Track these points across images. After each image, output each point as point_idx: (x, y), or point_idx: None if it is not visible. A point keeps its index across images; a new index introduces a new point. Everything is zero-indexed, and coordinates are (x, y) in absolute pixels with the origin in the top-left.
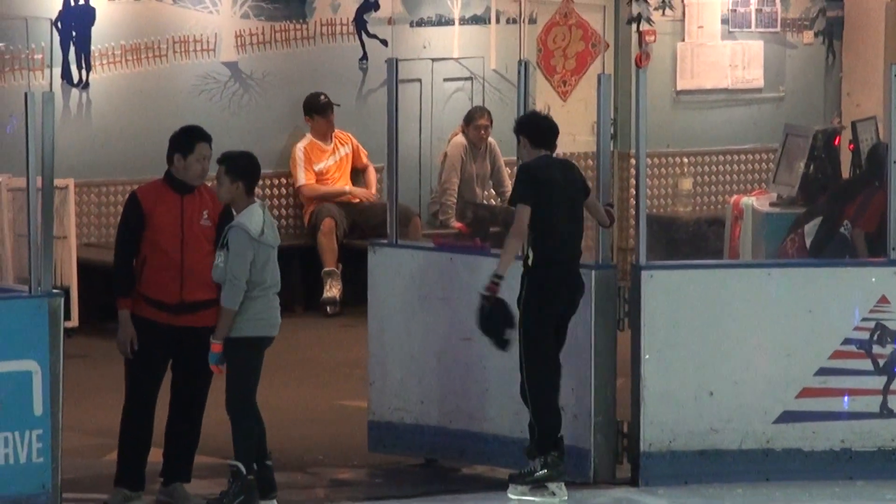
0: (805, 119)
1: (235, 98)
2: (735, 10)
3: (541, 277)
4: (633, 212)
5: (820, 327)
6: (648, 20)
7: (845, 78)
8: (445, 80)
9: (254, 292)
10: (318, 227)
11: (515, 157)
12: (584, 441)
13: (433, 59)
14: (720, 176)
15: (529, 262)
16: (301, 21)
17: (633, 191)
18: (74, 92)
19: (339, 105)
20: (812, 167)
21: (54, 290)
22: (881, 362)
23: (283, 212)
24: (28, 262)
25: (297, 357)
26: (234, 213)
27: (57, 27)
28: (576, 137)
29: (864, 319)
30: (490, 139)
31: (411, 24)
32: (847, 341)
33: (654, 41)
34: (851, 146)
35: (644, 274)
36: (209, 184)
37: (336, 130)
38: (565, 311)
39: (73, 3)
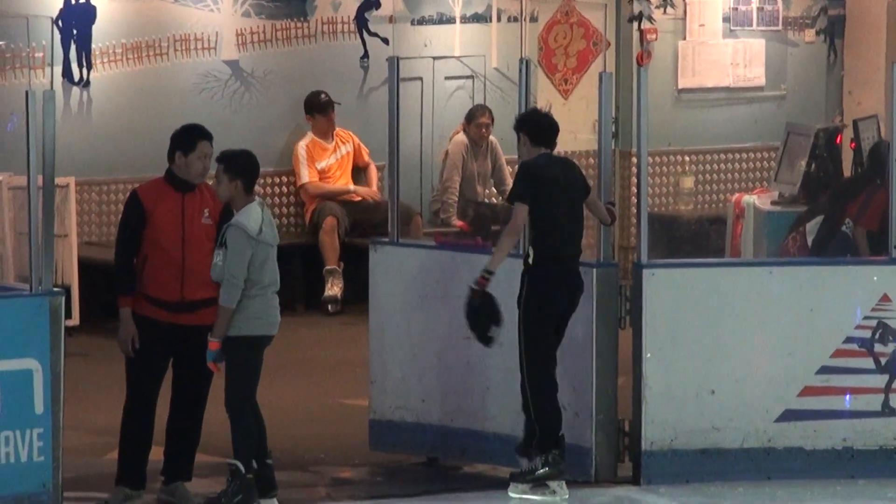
0: (806, 117)
1: (236, 96)
2: (736, 9)
3: (541, 276)
4: (634, 210)
5: (821, 326)
6: (650, 18)
7: (847, 76)
8: (447, 78)
9: (252, 291)
10: (320, 226)
11: (516, 156)
12: (586, 440)
13: (434, 58)
14: (722, 174)
15: (530, 260)
16: (302, 19)
17: (634, 189)
18: (75, 90)
19: (339, 103)
20: (814, 166)
21: (55, 289)
22: (883, 361)
23: (284, 210)
24: (29, 261)
25: (298, 355)
26: (234, 211)
27: (58, 25)
28: (577, 136)
29: (865, 318)
30: (491, 137)
31: (412, 23)
32: (849, 340)
33: (656, 39)
34: (853, 144)
35: (645, 272)
36: (210, 182)
37: (337, 129)
38: (565, 311)
39: (73, 2)
